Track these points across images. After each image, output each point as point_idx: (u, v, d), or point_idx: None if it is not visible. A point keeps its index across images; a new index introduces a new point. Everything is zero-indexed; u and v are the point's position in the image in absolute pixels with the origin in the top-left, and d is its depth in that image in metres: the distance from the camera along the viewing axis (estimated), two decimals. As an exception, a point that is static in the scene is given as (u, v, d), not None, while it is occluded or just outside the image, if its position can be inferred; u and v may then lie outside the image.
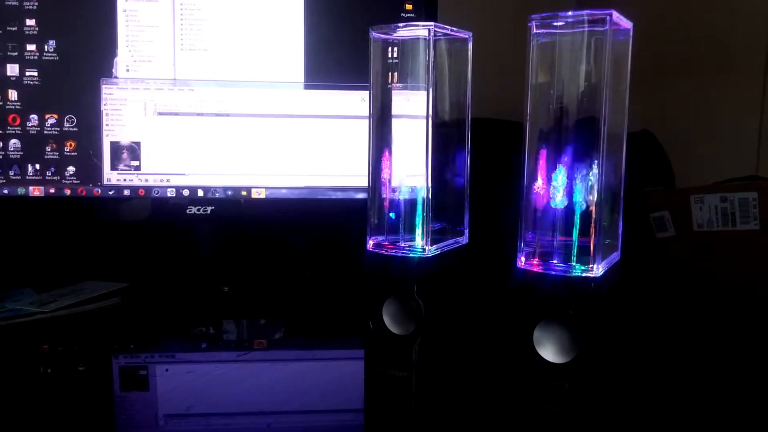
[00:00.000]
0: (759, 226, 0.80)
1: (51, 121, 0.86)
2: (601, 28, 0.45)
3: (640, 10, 1.20)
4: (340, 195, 0.90)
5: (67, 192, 0.87)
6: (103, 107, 0.87)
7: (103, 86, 0.86)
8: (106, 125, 0.87)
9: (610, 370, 0.49)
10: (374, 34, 0.54)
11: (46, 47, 0.85)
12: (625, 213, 0.90)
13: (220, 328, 0.74)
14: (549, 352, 0.46)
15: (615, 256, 0.50)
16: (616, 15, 0.45)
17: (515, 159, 0.49)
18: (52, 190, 0.87)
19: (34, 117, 0.86)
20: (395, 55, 0.55)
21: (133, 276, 0.87)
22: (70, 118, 0.86)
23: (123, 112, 0.87)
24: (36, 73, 0.85)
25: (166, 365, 0.62)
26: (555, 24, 0.47)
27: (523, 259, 0.48)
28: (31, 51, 0.85)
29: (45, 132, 0.86)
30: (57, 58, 0.86)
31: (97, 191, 0.87)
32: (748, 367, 0.60)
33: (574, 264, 0.46)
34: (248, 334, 0.75)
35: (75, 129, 0.86)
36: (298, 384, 0.58)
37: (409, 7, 0.90)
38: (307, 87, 0.89)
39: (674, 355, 0.64)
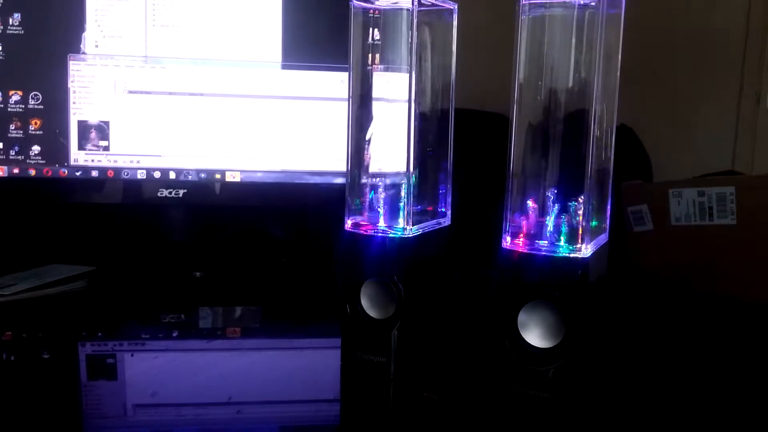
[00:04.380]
0: (735, 222, 0.80)
1: (15, 98, 0.82)
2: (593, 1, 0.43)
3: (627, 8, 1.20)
4: (318, 179, 0.88)
5: (32, 172, 0.83)
6: (70, 84, 0.83)
7: (71, 62, 0.83)
8: (74, 103, 0.83)
9: (597, 356, 0.48)
10: (354, 3, 0.52)
11: (10, 20, 0.81)
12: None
13: (192, 315, 0.71)
14: (534, 336, 0.44)
15: (603, 238, 0.48)
16: None
17: (500, 150, 0.47)
18: (16, 170, 0.83)
19: (-3, 93, 0.82)
20: (377, 33, 0.53)
21: (100, 260, 0.84)
22: (35, 95, 0.83)
23: (91, 89, 0.84)
24: (0, 48, 0.82)
25: (135, 353, 0.60)
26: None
27: (508, 239, 0.46)
28: (-6, 24, 0.81)
29: (9, 109, 0.82)
30: (22, 32, 0.82)
31: (64, 172, 0.84)
32: (724, 354, 0.60)
33: (561, 244, 0.45)
34: (221, 321, 0.73)
35: (40, 107, 0.83)
36: (271, 373, 0.56)
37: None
38: (284, 67, 0.87)
39: (648, 346, 0.63)
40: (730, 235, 0.81)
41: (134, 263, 0.87)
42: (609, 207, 0.49)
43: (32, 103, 0.83)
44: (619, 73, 0.48)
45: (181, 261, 0.88)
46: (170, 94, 0.85)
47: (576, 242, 0.44)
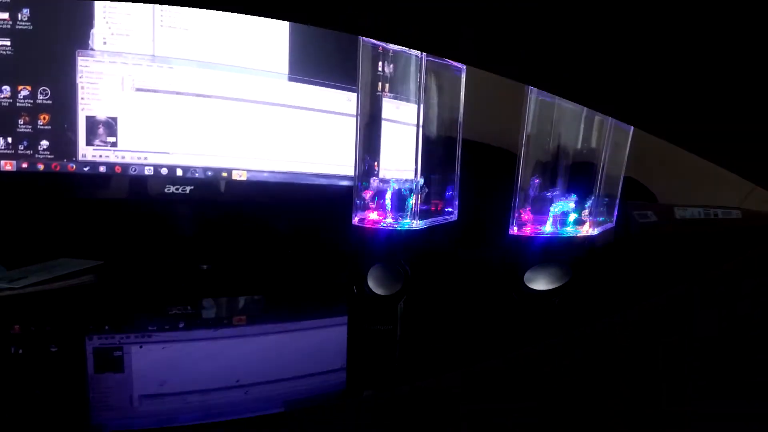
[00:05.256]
0: (741, 215, 0.83)
1: (24, 93, 0.83)
2: None
3: None
4: (323, 181, 0.88)
5: (41, 167, 0.84)
6: (78, 80, 0.84)
7: (79, 58, 0.83)
8: (82, 99, 0.84)
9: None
10: (364, 39, 0.53)
11: (19, 16, 0.82)
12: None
13: (198, 306, 0.72)
14: (541, 284, 0.45)
15: (609, 225, 0.49)
16: None
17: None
18: (24, 165, 0.83)
19: (6, 88, 0.82)
20: (386, 65, 0.55)
21: (108, 254, 0.85)
22: (44, 90, 0.83)
23: (99, 86, 0.84)
24: (8, 43, 0.82)
25: (142, 344, 0.60)
26: None
27: (515, 228, 0.47)
28: (3, 20, 0.82)
29: (18, 104, 0.83)
30: (31, 27, 0.82)
31: (72, 167, 0.84)
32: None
33: (568, 227, 0.45)
34: (227, 310, 0.73)
35: (49, 102, 0.83)
36: (278, 353, 0.57)
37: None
38: (291, 79, 0.87)
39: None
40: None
41: (141, 257, 0.87)
42: (618, 204, 0.49)
43: (41, 98, 0.83)
44: None
45: (187, 254, 0.88)
46: (177, 93, 0.86)
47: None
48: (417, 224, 0.52)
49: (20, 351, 0.57)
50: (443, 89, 0.57)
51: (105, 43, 0.84)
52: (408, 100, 0.55)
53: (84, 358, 0.57)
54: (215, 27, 0.86)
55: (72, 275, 0.74)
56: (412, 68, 0.54)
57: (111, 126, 0.85)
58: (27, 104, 0.83)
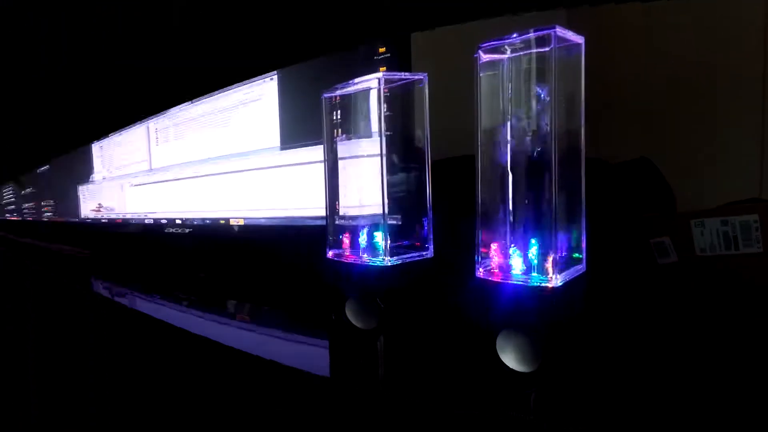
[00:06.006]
0: (762, 249, 0.78)
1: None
2: (544, 49, 0.44)
3: (641, 39, 1.21)
4: (319, 222, 0.90)
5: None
6: (80, 194, 1.00)
7: (80, 187, 1.01)
8: (83, 195, 0.98)
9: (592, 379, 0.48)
10: (325, 95, 0.59)
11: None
12: (624, 240, 0.87)
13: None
14: (511, 360, 0.44)
15: (579, 269, 0.48)
16: (560, 30, 0.44)
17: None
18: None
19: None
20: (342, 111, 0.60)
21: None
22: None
23: (97, 194, 0.99)
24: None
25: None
26: (502, 49, 0.47)
27: (481, 270, 0.46)
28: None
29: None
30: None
31: (75, 221, 0.95)
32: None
33: (533, 275, 0.45)
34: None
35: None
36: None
37: (382, 50, 0.92)
38: (283, 149, 0.91)
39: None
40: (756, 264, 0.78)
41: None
42: (584, 241, 0.49)
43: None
44: (583, 114, 0.49)
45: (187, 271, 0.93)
46: (174, 180, 0.93)
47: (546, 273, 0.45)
48: (389, 260, 0.52)
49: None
50: (407, 110, 0.59)
51: (104, 179, 0.98)
52: (370, 136, 0.57)
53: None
54: (209, 136, 0.92)
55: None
56: (367, 104, 0.58)
57: (111, 207, 0.94)
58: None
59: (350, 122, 0.60)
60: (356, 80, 0.56)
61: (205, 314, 0.72)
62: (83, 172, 1.04)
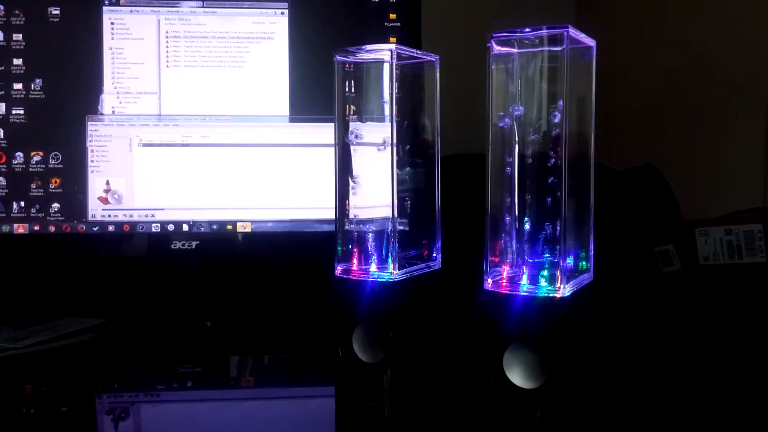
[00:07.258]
0: (766, 259, 0.78)
1: (36, 158, 0.87)
2: (558, 48, 0.44)
3: (646, 47, 1.21)
4: (326, 228, 0.89)
5: (52, 229, 0.87)
6: (88, 144, 0.87)
7: (89, 123, 0.87)
8: (92, 161, 0.87)
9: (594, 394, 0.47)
10: (338, 57, 0.54)
11: (32, 86, 0.87)
12: (629, 247, 0.87)
13: (205, 365, 0.72)
14: (517, 377, 0.44)
15: (586, 278, 0.48)
16: (572, 31, 0.44)
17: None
18: (36, 228, 0.87)
19: (19, 155, 0.86)
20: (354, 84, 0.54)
21: (115, 311, 0.87)
22: (55, 155, 0.87)
23: (108, 148, 0.88)
24: (22, 112, 0.86)
25: (155, 404, 0.61)
26: (515, 42, 0.46)
27: (489, 281, 0.46)
28: (17, 90, 0.86)
29: (30, 169, 0.87)
30: (43, 96, 0.87)
31: (82, 227, 0.87)
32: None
33: (541, 285, 0.45)
34: (236, 371, 0.74)
35: (60, 166, 0.87)
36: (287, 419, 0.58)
37: (393, 16, 0.91)
38: (292, 120, 0.90)
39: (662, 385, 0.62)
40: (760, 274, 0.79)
41: (145, 313, 0.89)
42: (592, 249, 0.49)
43: (52, 162, 0.87)
44: (593, 119, 0.48)
45: (192, 310, 0.89)
46: (183, 145, 0.88)
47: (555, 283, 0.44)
48: (396, 274, 0.51)
49: (32, 411, 0.58)
50: (419, 95, 0.56)
51: (113, 111, 0.88)
52: (382, 120, 0.53)
53: (94, 417, 0.58)
54: (219, 84, 0.89)
55: (73, 334, 0.76)
56: (377, 81, 0.53)
57: (120, 185, 0.87)
58: (39, 169, 0.87)
59: (359, 100, 0.54)
60: (368, 47, 0.52)
61: (210, 392, 0.66)
62: (90, 93, 0.87)
